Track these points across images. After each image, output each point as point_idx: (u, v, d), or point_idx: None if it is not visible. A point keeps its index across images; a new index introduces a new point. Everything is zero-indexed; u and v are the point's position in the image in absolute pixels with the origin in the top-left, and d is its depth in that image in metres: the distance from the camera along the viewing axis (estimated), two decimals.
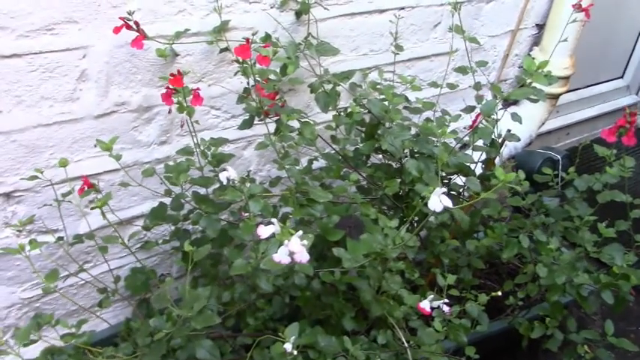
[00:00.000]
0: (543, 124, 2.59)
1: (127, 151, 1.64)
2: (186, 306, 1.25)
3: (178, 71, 1.37)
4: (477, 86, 1.81)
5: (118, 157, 1.45)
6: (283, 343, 1.24)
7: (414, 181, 1.66)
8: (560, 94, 2.52)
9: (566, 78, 2.47)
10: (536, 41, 2.51)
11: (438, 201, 1.14)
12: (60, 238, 1.55)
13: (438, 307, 1.37)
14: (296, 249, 1.09)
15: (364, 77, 2.02)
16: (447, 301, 1.38)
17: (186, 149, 1.52)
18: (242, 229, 1.31)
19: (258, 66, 1.41)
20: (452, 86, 1.98)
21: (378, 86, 1.87)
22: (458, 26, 1.79)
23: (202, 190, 1.61)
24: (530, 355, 2.12)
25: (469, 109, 1.70)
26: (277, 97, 1.49)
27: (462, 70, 1.79)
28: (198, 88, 1.41)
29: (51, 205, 1.52)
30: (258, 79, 1.42)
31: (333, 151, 1.74)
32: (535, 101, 1.75)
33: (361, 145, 1.70)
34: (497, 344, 2.00)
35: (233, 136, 1.80)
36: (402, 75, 2.08)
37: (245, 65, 1.37)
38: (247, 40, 1.39)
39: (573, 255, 1.72)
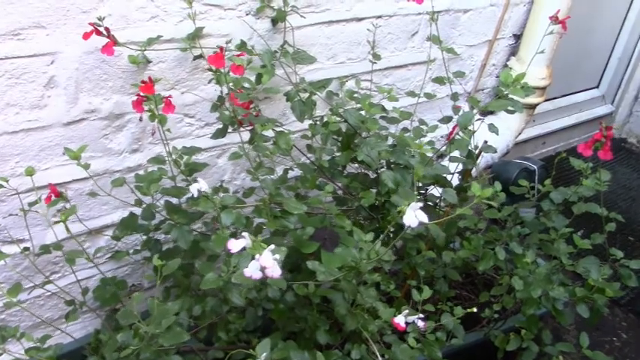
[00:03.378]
0: (520, 133, 2.59)
1: (97, 159, 1.60)
2: (154, 321, 1.21)
3: (149, 78, 1.33)
4: (455, 97, 1.80)
5: (86, 166, 1.41)
6: (254, 359, 1.21)
7: (390, 193, 1.64)
8: (537, 104, 2.53)
9: (543, 88, 2.48)
10: (514, 51, 2.51)
11: (413, 216, 1.12)
12: (26, 249, 1.51)
13: (413, 322, 1.35)
14: (267, 264, 1.06)
15: (341, 86, 1.99)
16: (421, 316, 1.35)
17: (157, 158, 1.48)
18: (213, 242, 1.28)
19: (232, 74, 1.38)
20: (429, 96, 1.97)
21: (355, 95, 1.85)
22: (435, 36, 1.77)
23: (175, 200, 1.58)
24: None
25: (446, 120, 1.69)
26: (252, 106, 1.46)
27: (439, 80, 1.77)
28: (169, 96, 1.37)
29: (16, 214, 1.47)
30: (232, 87, 1.39)
31: (309, 161, 1.71)
32: (512, 112, 1.74)
33: (337, 155, 1.67)
34: (473, 356, 1.99)
35: (207, 144, 1.77)
36: (379, 85, 2.08)
37: (219, 74, 1.34)
38: (221, 48, 1.36)
39: (549, 267, 1.71)
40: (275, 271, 1.08)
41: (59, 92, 1.45)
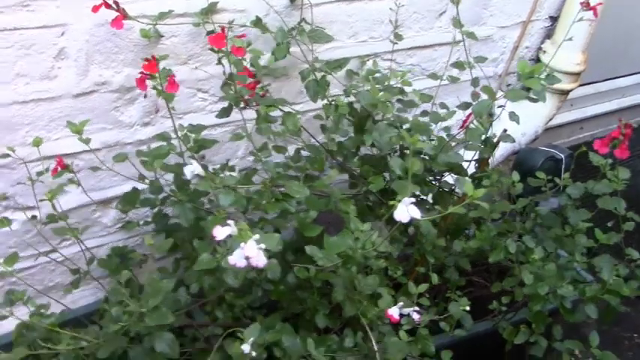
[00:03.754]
0: (551, 119, 2.51)
1: (108, 131, 1.61)
2: (146, 298, 1.22)
3: (153, 57, 1.32)
4: (475, 82, 1.74)
5: (86, 141, 1.41)
6: (243, 342, 1.21)
7: (400, 179, 1.61)
8: (570, 90, 2.43)
9: (578, 74, 2.38)
10: (549, 34, 2.41)
11: (405, 211, 1.09)
12: (34, 217, 1.53)
13: (408, 314, 1.33)
14: (251, 253, 1.05)
15: (362, 65, 1.95)
16: (417, 308, 1.33)
17: (163, 135, 1.48)
18: (209, 223, 1.28)
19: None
20: (453, 79, 1.90)
21: (376, 75, 1.81)
22: (456, 19, 1.71)
23: None
24: (517, 356, 2.08)
25: (464, 106, 1.64)
26: (259, 87, 1.44)
27: (459, 65, 1.72)
28: (173, 75, 1.36)
29: (24, 183, 1.49)
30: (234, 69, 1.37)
31: (318, 143, 1.69)
32: (535, 101, 1.68)
33: (346, 138, 1.64)
34: (483, 345, 1.96)
35: (220, 119, 1.75)
36: (396, 69, 2.03)
37: (221, 54, 1.32)
38: (223, 28, 1.34)
39: (563, 263, 1.67)
40: (259, 260, 1.07)
41: (69, 64, 1.46)
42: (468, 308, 1.66)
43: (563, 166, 2.28)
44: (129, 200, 1.52)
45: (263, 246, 1.06)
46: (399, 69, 2.09)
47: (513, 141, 1.70)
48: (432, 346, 1.38)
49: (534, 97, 1.66)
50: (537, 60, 2.42)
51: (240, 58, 1.36)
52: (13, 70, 1.40)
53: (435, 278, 1.76)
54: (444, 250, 1.83)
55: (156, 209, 1.59)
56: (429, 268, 1.77)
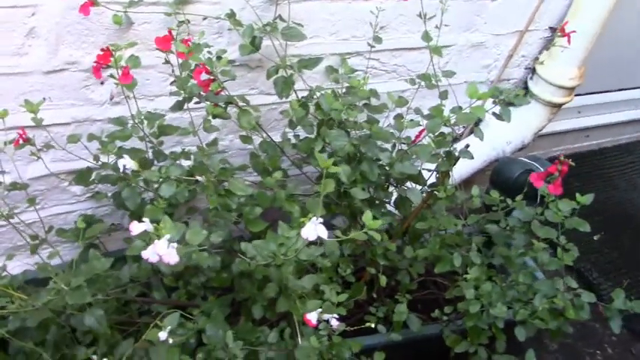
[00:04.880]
0: (541, 130, 2.49)
1: (78, 107, 1.68)
2: (76, 275, 1.31)
3: (107, 47, 1.38)
4: (443, 95, 1.74)
5: (38, 121, 1.48)
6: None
7: (350, 185, 1.65)
8: (563, 104, 2.41)
9: (571, 89, 2.36)
10: (548, 45, 2.38)
11: (313, 229, 1.14)
12: None
13: (328, 320, 1.38)
14: (162, 252, 1.11)
15: (342, 62, 1.97)
16: (336, 315, 1.38)
17: (120, 119, 1.55)
18: (147, 212, 1.35)
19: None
20: (430, 85, 1.91)
21: (350, 76, 1.84)
22: (427, 33, 1.71)
23: None
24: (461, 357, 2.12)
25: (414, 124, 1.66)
26: (214, 84, 1.48)
27: (425, 77, 1.72)
28: (127, 67, 1.41)
29: None
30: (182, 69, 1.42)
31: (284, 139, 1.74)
32: (501, 119, 1.70)
33: (301, 139, 1.68)
34: (430, 347, 2.02)
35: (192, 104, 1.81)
36: (379, 68, 2.04)
37: (166, 57, 1.37)
38: (169, 31, 1.38)
39: (505, 283, 1.70)
40: (171, 258, 1.13)
41: (40, 43, 1.53)
42: (404, 315, 1.72)
43: None
44: (82, 178, 1.60)
45: (175, 245, 1.12)
46: (383, 68, 2.11)
47: (472, 157, 1.71)
48: (345, 353, 1.43)
49: (501, 115, 1.69)
50: (533, 70, 2.40)
51: (186, 61, 1.40)
52: None
53: (383, 280, 1.82)
54: (398, 253, 1.87)
55: (115, 188, 1.66)
56: (379, 269, 1.83)
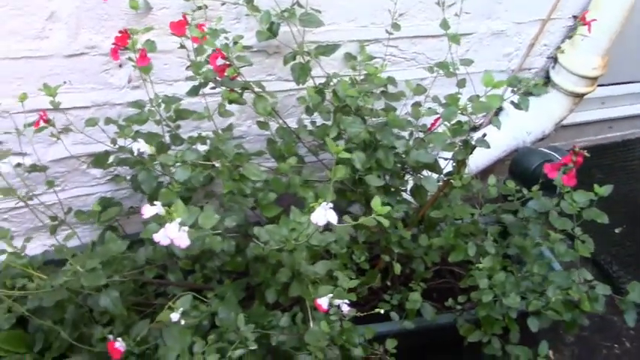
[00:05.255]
0: (562, 121, 2.46)
1: (98, 91, 1.71)
2: (93, 257, 1.33)
3: (125, 30, 1.39)
4: (461, 83, 1.73)
5: (56, 105, 1.50)
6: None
7: (365, 172, 1.66)
8: (585, 94, 2.38)
9: (594, 78, 2.33)
10: (571, 34, 2.35)
11: (323, 215, 1.14)
12: (19, 164, 1.65)
13: (339, 305, 1.39)
14: (173, 235, 1.13)
15: (361, 49, 1.97)
16: (347, 301, 1.39)
17: (138, 102, 1.56)
18: (161, 195, 1.36)
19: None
20: (449, 74, 1.90)
21: (368, 63, 1.84)
22: (445, 20, 1.70)
23: None
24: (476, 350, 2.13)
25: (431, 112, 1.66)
26: (229, 69, 1.49)
27: (443, 66, 1.71)
28: (144, 49, 1.43)
29: (10, 133, 1.60)
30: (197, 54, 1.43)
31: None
32: (519, 108, 1.68)
33: (317, 126, 1.69)
34: (444, 336, 2.02)
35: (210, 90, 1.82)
36: (398, 56, 2.04)
37: (182, 42, 1.38)
38: (184, 16, 1.39)
39: (519, 273, 1.69)
40: (182, 241, 1.15)
41: (60, 26, 1.55)
42: (417, 303, 1.73)
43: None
44: (99, 161, 1.62)
45: (186, 228, 1.14)
46: (402, 56, 2.10)
47: (488, 146, 1.70)
48: (356, 339, 1.44)
49: (519, 103, 1.68)
50: (555, 59, 2.37)
51: (201, 46, 1.41)
52: (5, 28, 1.50)
53: (397, 268, 1.82)
54: (413, 242, 1.87)
55: (133, 171, 1.68)
56: (393, 257, 1.83)
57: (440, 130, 1.59)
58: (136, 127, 1.60)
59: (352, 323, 1.43)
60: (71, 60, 1.61)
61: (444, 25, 1.71)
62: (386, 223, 1.13)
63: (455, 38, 1.70)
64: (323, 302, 1.36)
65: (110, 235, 1.46)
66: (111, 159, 1.69)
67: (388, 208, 1.10)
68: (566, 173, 1.47)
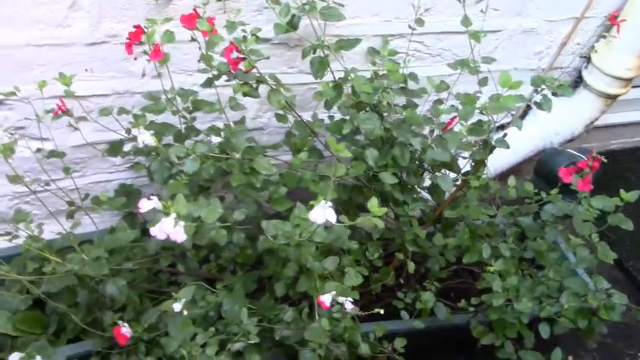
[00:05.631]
0: (593, 122, 2.40)
1: (118, 79, 1.73)
2: (100, 246, 1.35)
3: (139, 25, 1.40)
4: (483, 82, 1.70)
5: (70, 93, 1.52)
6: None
7: (380, 169, 1.64)
8: (618, 96, 2.31)
9: (628, 80, 2.25)
10: (604, 33, 2.28)
11: (322, 214, 1.14)
12: (38, 150, 1.69)
13: (342, 303, 1.38)
14: (168, 230, 1.14)
15: (385, 44, 1.94)
16: (351, 299, 1.38)
17: (152, 94, 1.57)
18: (169, 187, 1.37)
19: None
20: (473, 71, 1.86)
21: (391, 58, 1.81)
22: (466, 17, 1.67)
23: None
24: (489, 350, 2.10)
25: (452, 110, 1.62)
26: (244, 62, 1.49)
27: (464, 64, 1.68)
28: (157, 43, 1.44)
29: (31, 119, 1.63)
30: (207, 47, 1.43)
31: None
32: (541, 108, 1.65)
33: (330, 122, 1.68)
34: (458, 336, 2.00)
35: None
36: (423, 51, 2.01)
37: (193, 34, 1.38)
38: (194, 9, 1.39)
39: (534, 278, 1.66)
40: (178, 236, 1.15)
41: (82, 15, 1.57)
42: (429, 303, 1.71)
43: None
44: (113, 149, 1.64)
45: (182, 223, 1.14)
46: (427, 51, 2.07)
47: (508, 147, 1.66)
48: (358, 336, 1.43)
49: (543, 104, 1.64)
50: (588, 59, 2.30)
51: (210, 38, 1.41)
52: (30, 15, 1.52)
53: (411, 267, 1.81)
54: (429, 240, 1.85)
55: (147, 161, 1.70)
56: (407, 255, 1.81)
57: (456, 129, 1.56)
58: (151, 117, 1.61)
59: (355, 321, 1.42)
60: (92, 48, 1.64)
61: (465, 22, 1.67)
62: (380, 224, 1.11)
63: (476, 35, 1.66)
64: (326, 299, 1.36)
65: (121, 224, 1.48)
66: (128, 147, 1.71)
67: (385, 209, 1.08)
68: (582, 178, 1.42)
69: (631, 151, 3.12)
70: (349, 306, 1.38)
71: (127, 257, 1.56)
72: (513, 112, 2.38)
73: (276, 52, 1.85)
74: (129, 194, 1.91)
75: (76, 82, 1.68)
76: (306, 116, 1.87)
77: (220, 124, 1.76)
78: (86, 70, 1.66)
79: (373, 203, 1.12)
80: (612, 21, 1.62)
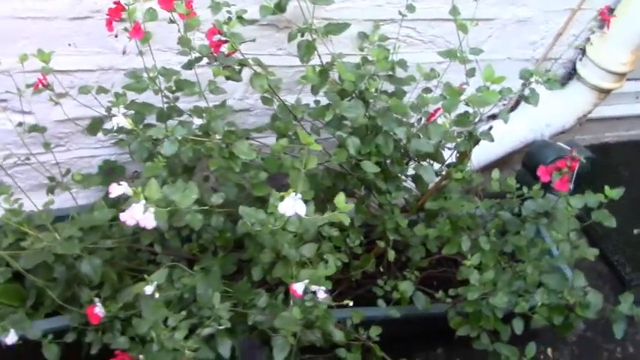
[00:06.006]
0: (585, 115, 2.38)
1: (103, 55, 1.71)
2: (75, 225, 1.35)
3: (118, 2, 1.38)
4: (470, 72, 1.68)
5: (48, 70, 1.50)
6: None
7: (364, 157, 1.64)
8: (611, 90, 2.29)
9: (622, 74, 2.23)
10: (602, 25, 2.25)
11: (291, 205, 1.13)
12: (20, 124, 1.67)
13: (315, 291, 1.38)
14: (137, 216, 1.13)
15: (375, 29, 1.92)
16: (324, 288, 1.38)
17: (133, 73, 1.56)
18: (146, 169, 1.37)
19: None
20: (462, 60, 1.84)
21: (379, 44, 1.79)
22: (455, 7, 1.64)
23: None
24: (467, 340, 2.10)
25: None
26: (226, 45, 1.47)
27: (451, 54, 1.66)
28: (137, 22, 1.41)
29: (12, 92, 1.61)
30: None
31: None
32: (528, 102, 1.64)
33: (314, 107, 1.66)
34: (436, 325, 2.00)
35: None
36: (415, 38, 1.98)
37: (171, 16, 1.36)
38: None
39: (509, 272, 1.66)
40: (148, 222, 1.14)
41: None
42: (408, 292, 1.71)
43: (576, 170, 2.17)
44: (93, 127, 1.62)
45: (152, 209, 1.14)
46: (419, 38, 2.05)
47: (492, 140, 1.65)
48: (330, 326, 1.43)
49: (530, 98, 1.63)
50: (583, 51, 2.28)
51: (188, 21, 1.39)
52: None
53: (391, 255, 1.81)
54: (411, 229, 1.84)
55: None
56: (388, 243, 1.81)
57: (440, 120, 1.54)
58: (134, 96, 1.60)
59: (327, 309, 1.42)
60: (76, 23, 1.62)
61: (454, 12, 1.65)
62: (346, 220, 1.11)
63: (463, 26, 1.64)
64: (298, 287, 1.35)
65: (99, 203, 1.48)
66: (112, 124, 1.70)
67: (351, 206, 1.08)
68: (560, 177, 1.41)
69: (625, 145, 3.10)
70: (322, 295, 1.38)
71: (105, 235, 1.56)
72: (505, 103, 2.36)
73: (264, 34, 1.83)
74: (112, 170, 1.90)
75: (60, 57, 1.66)
76: (294, 99, 1.86)
77: (205, 105, 1.75)
78: (69, 44, 1.64)
79: (340, 199, 1.11)
80: (602, 16, 1.59)
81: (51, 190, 1.73)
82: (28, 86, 1.59)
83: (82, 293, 1.60)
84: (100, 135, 1.89)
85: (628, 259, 2.60)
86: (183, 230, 1.77)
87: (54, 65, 1.65)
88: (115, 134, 1.85)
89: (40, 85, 1.54)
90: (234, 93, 1.93)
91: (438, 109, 1.56)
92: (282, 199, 1.14)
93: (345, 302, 1.39)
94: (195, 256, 1.78)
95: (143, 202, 1.14)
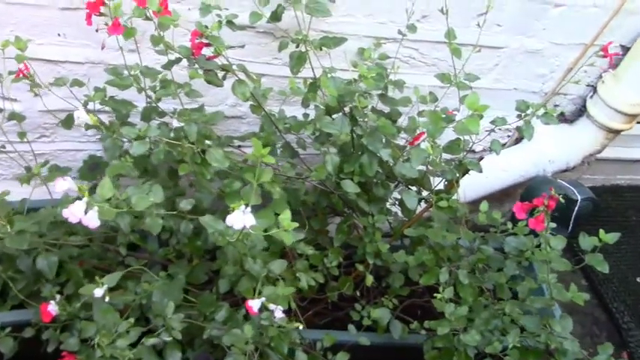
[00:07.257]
0: (592, 155, 2.29)
1: (92, 48, 1.68)
2: (32, 219, 1.31)
3: None
4: (464, 99, 1.61)
5: (21, 58, 1.47)
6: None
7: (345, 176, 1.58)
8: (620, 131, 2.20)
9: (632, 116, 2.15)
10: (617, 63, 2.17)
11: (240, 218, 1.08)
12: (0, 110, 1.65)
13: (272, 310, 1.32)
14: (78, 214, 1.08)
15: (376, 47, 1.86)
16: (281, 308, 1.32)
17: (114, 69, 1.52)
18: (111, 168, 1.33)
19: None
20: (459, 85, 1.76)
21: (376, 63, 1.74)
22: (450, 30, 1.59)
23: None
24: None
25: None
26: (209, 49, 1.43)
27: (444, 78, 1.60)
28: (116, 18, 1.38)
29: None
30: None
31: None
32: (522, 135, 1.57)
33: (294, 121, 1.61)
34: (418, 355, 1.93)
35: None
36: (419, 59, 1.93)
37: (147, 13, 1.33)
38: None
39: (490, 309, 1.58)
40: (90, 221, 1.10)
41: None
42: (384, 320, 1.66)
43: (576, 210, 2.09)
44: (67, 122, 1.59)
45: (96, 209, 1.09)
46: (422, 60, 1.99)
47: (481, 170, 1.59)
48: (284, 347, 1.37)
49: (526, 131, 1.57)
50: (595, 89, 2.20)
51: (160, 20, 1.36)
52: None
53: (369, 280, 1.75)
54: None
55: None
56: (368, 268, 1.75)
57: (423, 145, 1.48)
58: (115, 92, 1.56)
59: (283, 330, 1.36)
60: (66, 13, 1.59)
61: (449, 35, 1.59)
62: (289, 240, 1.05)
63: (456, 51, 1.58)
64: (254, 304, 1.30)
65: (66, 197, 1.44)
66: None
67: (295, 224, 1.02)
68: (535, 216, 1.34)
69: (637, 189, 3.00)
70: (279, 314, 1.32)
71: (71, 232, 1.52)
72: (510, 134, 2.29)
73: (260, 41, 1.79)
74: (97, 166, 1.87)
75: (48, 46, 1.65)
76: (290, 110, 1.81)
77: (191, 106, 1.71)
78: (59, 34, 1.62)
79: (285, 216, 1.05)
80: (605, 52, 1.53)
81: (26, 181, 1.70)
82: (10, 73, 1.57)
83: (44, 288, 1.56)
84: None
85: (627, 308, 2.50)
86: (162, 234, 1.73)
87: (42, 54, 1.64)
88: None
89: (21, 74, 1.52)
90: (227, 99, 1.89)
91: (423, 133, 1.50)
92: (233, 209, 1.09)
93: (296, 325, 1.33)
94: (171, 262, 1.74)
95: (85, 199, 1.09)
